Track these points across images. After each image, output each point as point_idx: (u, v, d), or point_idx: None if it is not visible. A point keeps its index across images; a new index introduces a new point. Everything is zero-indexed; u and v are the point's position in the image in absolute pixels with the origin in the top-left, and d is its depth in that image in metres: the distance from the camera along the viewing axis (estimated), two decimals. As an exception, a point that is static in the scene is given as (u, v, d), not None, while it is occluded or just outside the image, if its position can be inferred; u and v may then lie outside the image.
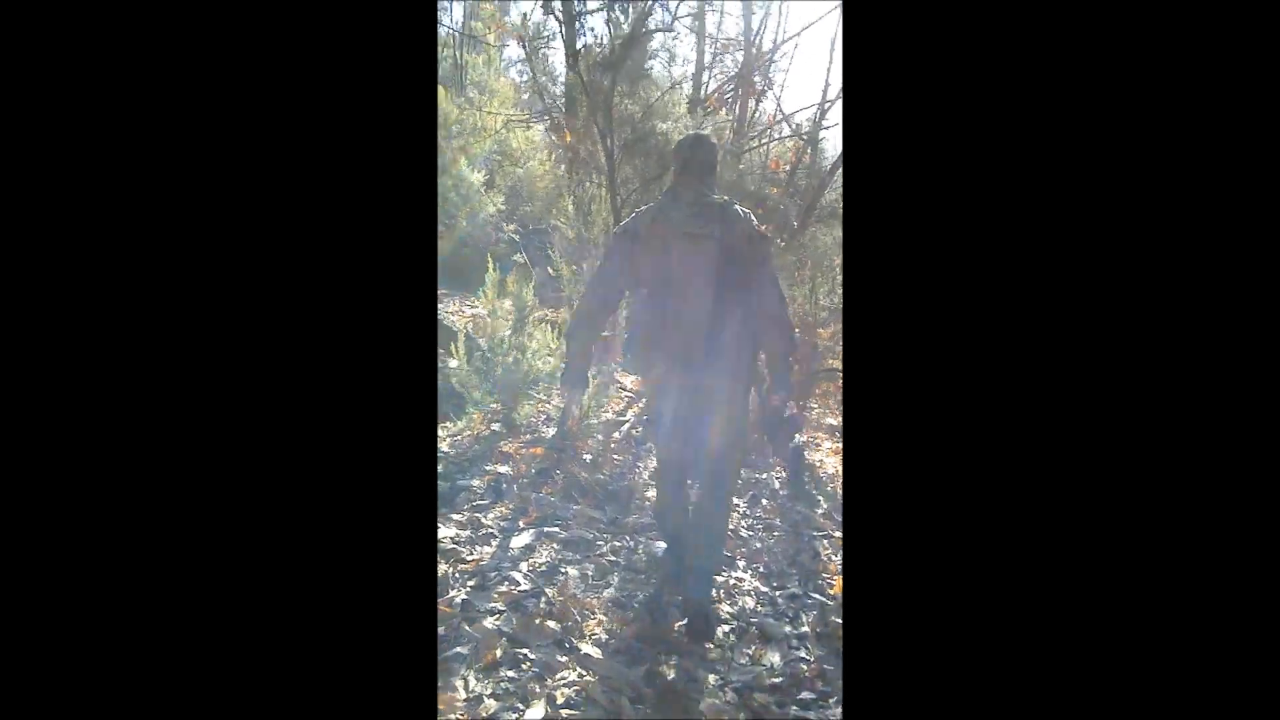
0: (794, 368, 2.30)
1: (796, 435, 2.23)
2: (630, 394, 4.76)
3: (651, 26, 2.89)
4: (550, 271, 3.70)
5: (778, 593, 2.42)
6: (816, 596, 2.41)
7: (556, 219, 3.70)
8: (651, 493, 3.03)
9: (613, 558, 2.44)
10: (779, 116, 7.58)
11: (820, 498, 3.28)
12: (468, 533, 2.46)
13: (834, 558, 2.69)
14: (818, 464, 3.67)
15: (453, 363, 3.10)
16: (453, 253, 5.76)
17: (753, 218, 2.09)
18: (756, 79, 7.54)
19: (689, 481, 2.30)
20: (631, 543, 2.57)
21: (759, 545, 2.74)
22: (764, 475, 3.41)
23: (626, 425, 3.81)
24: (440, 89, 6.22)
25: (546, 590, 2.16)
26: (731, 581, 2.43)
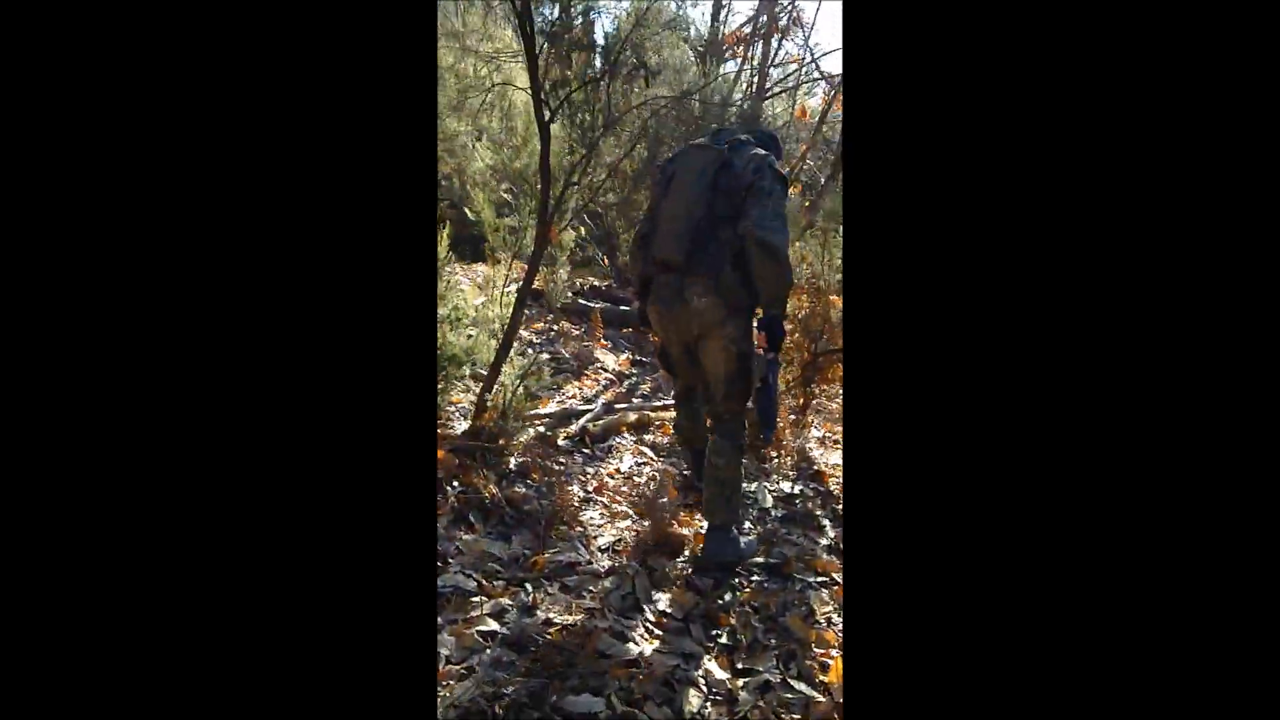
0: (786, 308, 1.98)
1: (768, 377, 1.96)
2: (611, 376, 3.93)
3: None
4: (469, 214, 2.84)
5: (742, 681, 1.59)
6: (802, 689, 1.58)
7: (472, 141, 2.86)
8: (588, 514, 2.22)
9: (490, 625, 1.62)
10: (807, 59, 6.66)
11: (827, 521, 2.43)
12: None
13: (837, 621, 1.84)
14: (826, 470, 2.81)
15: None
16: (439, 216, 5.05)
17: (772, 156, 1.98)
18: (781, 17, 6.60)
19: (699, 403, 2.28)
20: (530, 597, 1.76)
21: (726, 597, 1.91)
22: (751, 486, 2.56)
23: (588, 417, 2.99)
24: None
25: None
26: (673, 663, 1.61)
